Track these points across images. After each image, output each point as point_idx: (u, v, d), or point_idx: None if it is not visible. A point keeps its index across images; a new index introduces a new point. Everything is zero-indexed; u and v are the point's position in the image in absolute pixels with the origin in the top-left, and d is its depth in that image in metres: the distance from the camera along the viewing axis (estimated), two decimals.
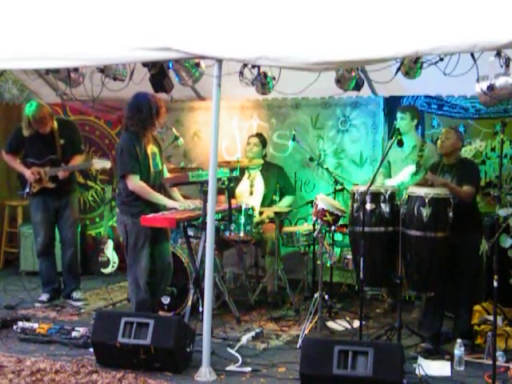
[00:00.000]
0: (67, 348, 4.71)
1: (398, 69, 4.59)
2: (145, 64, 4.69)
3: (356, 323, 5.22)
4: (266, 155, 6.46)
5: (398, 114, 5.68)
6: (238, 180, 6.13)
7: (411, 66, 4.52)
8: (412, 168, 5.59)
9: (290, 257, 6.57)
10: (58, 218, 5.97)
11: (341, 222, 5.25)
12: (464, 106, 6.17)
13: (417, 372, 4.17)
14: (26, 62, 4.68)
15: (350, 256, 5.80)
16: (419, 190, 4.64)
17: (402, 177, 5.62)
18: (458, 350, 4.41)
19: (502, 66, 3.78)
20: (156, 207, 4.96)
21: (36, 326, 4.91)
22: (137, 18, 4.29)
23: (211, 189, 4.24)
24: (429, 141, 6.18)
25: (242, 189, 6.29)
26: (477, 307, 5.10)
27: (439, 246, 4.59)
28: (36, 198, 5.91)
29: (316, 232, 5.19)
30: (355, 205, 4.81)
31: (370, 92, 6.29)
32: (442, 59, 4.12)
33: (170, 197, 5.15)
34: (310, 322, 5.03)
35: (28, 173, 5.82)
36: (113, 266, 7.22)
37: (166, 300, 5.51)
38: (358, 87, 5.42)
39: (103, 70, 4.99)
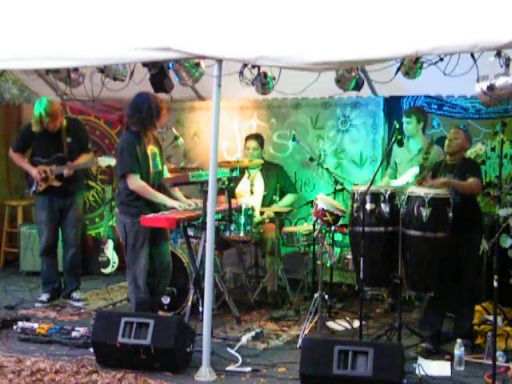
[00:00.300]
0: (67, 348, 4.71)
1: (398, 69, 4.59)
2: (145, 64, 4.69)
3: (356, 323, 5.23)
4: (264, 152, 6.45)
5: (404, 119, 5.66)
6: (238, 180, 6.13)
7: (411, 65, 4.52)
8: (416, 170, 5.59)
9: (290, 257, 6.57)
10: (62, 217, 5.98)
11: (341, 222, 5.25)
12: (464, 106, 6.17)
13: (417, 372, 4.17)
14: (26, 62, 4.67)
15: (349, 256, 5.79)
16: (419, 190, 4.64)
17: (406, 178, 5.62)
18: (458, 350, 4.41)
19: (501, 66, 3.79)
20: (155, 207, 4.96)
21: (36, 326, 4.91)
22: (137, 18, 4.29)
23: (211, 189, 4.24)
24: (436, 145, 6.18)
25: (242, 189, 6.29)
26: (477, 307, 5.09)
27: (439, 246, 4.59)
28: (41, 196, 5.91)
29: (316, 232, 5.19)
30: (355, 205, 4.81)
31: (370, 92, 6.28)
32: (442, 59, 4.12)
33: (171, 197, 5.15)
34: (310, 322, 5.03)
35: (34, 171, 5.83)
36: (113, 266, 7.22)
37: (165, 300, 5.51)
38: (358, 87, 5.41)
39: (103, 70, 4.99)
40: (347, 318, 5.34)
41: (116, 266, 7.22)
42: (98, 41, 4.34)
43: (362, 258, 4.53)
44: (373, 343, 4.19)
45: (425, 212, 4.53)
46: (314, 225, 5.26)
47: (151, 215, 4.82)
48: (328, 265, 5.66)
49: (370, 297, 6.22)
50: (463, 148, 4.84)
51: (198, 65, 4.74)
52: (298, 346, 4.81)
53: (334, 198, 5.96)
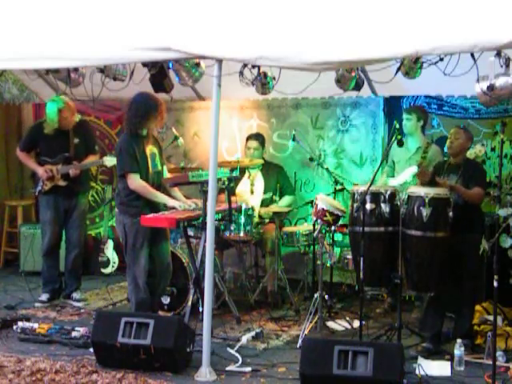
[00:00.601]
0: (67, 348, 4.71)
1: (398, 69, 4.59)
2: (145, 64, 4.69)
3: (356, 323, 5.23)
4: (265, 152, 6.46)
5: (404, 115, 5.67)
6: (238, 180, 6.13)
7: (411, 65, 4.52)
8: (414, 169, 5.60)
9: (290, 257, 6.57)
10: (66, 218, 5.98)
11: (341, 222, 5.25)
12: (464, 106, 6.17)
13: (417, 372, 4.17)
14: (26, 62, 4.68)
15: (349, 256, 5.79)
16: (419, 190, 4.64)
17: (404, 177, 5.63)
18: (458, 350, 4.41)
19: (501, 66, 3.78)
20: (155, 207, 4.96)
21: (36, 326, 4.91)
22: (137, 18, 4.29)
23: (211, 189, 4.24)
24: (434, 144, 6.18)
25: (242, 188, 6.29)
26: (477, 307, 5.10)
27: (439, 245, 4.59)
28: (47, 196, 5.92)
29: (316, 232, 5.18)
30: (355, 205, 4.81)
31: (370, 92, 6.29)
32: (442, 59, 4.12)
33: (171, 197, 5.15)
34: (310, 322, 5.03)
35: (41, 170, 5.84)
36: (113, 266, 7.22)
37: (166, 300, 5.50)
38: (358, 87, 5.41)
39: (103, 70, 4.99)
40: (347, 318, 5.34)
41: (116, 265, 7.22)
42: (98, 41, 4.34)
43: (361, 258, 4.53)
44: (373, 343, 4.19)
45: (425, 212, 4.53)
46: (314, 225, 5.25)
47: (151, 215, 4.82)
48: (328, 265, 5.66)
49: (370, 297, 6.23)
50: (465, 148, 4.84)
51: (198, 65, 4.74)
52: (298, 345, 4.81)
53: (334, 198, 5.96)
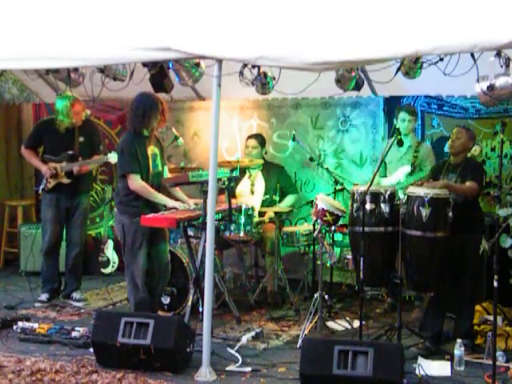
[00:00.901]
0: (67, 348, 4.71)
1: (398, 69, 4.59)
2: (145, 64, 4.69)
3: (356, 323, 5.23)
4: (266, 153, 6.47)
5: (405, 116, 5.66)
6: (238, 180, 6.13)
7: (411, 65, 4.52)
8: (407, 168, 5.62)
9: (290, 257, 6.57)
10: (68, 217, 5.99)
11: (341, 222, 5.25)
12: (464, 106, 6.17)
13: (417, 372, 4.18)
14: (26, 62, 4.68)
15: (349, 256, 5.79)
16: (419, 190, 4.64)
17: (397, 177, 5.64)
18: (458, 350, 4.41)
19: (501, 66, 3.78)
20: (155, 207, 4.96)
21: (36, 326, 4.91)
22: (137, 18, 4.29)
23: (211, 189, 4.24)
24: (428, 142, 6.19)
25: (242, 189, 6.29)
26: (477, 307, 5.10)
27: (439, 245, 4.59)
28: (49, 194, 5.92)
29: (316, 232, 5.18)
30: (355, 205, 4.81)
31: (370, 92, 6.29)
32: (442, 59, 4.12)
33: (172, 197, 5.16)
34: (310, 322, 5.03)
35: (44, 168, 5.85)
36: (113, 266, 7.22)
37: (165, 300, 5.51)
38: (358, 87, 5.42)
39: (103, 70, 4.99)
40: (347, 318, 5.34)
41: (116, 266, 7.22)
42: (98, 41, 4.34)
43: (361, 258, 4.53)
44: (373, 343, 4.19)
45: (425, 212, 4.53)
46: (314, 225, 5.25)
47: (151, 215, 4.82)
48: (328, 265, 5.66)
49: (370, 297, 6.23)
50: (467, 147, 4.84)
51: (198, 65, 4.74)
52: (298, 346, 4.81)
53: (334, 198, 5.96)
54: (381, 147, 6.42)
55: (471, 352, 4.66)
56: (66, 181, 5.87)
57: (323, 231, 5.20)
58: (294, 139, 6.13)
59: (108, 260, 7.21)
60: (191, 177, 4.87)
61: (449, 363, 4.46)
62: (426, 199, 4.53)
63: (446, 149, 4.95)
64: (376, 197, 4.75)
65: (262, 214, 6.09)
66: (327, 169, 6.19)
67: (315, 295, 5.15)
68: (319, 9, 3.86)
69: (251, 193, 6.17)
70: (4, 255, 7.75)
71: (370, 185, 4.69)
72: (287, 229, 6.06)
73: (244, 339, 4.87)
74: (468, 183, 4.70)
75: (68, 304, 5.96)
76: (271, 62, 4.05)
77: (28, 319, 5.20)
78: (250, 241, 5.82)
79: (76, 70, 5.08)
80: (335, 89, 5.31)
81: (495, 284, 3.95)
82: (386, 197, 4.73)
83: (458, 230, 4.59)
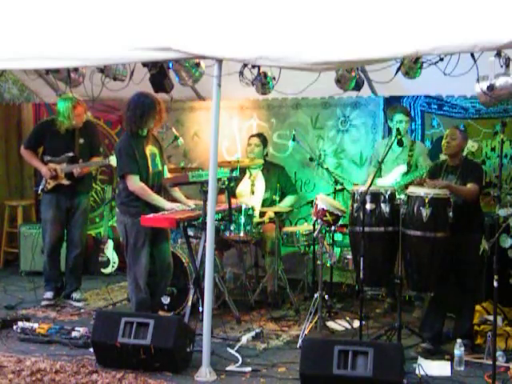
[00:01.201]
0: (67, 348, 4.71)
1: (398, 69, 4.59)
2: (145, 64, 4.69)
3: (356, 323, 5.23)
4: (267, 154, 6.47)
5: (402, 117, 5.65)
6: (238, 180, 6.13)
7: (411, 65, 4.51)
8: (403, 168, 5.62)
9: (290, 257, 6.57)
10: (68, 217, 5.99)
11: (341, 222, 5.25)
12: (464, 106, 6.17)
13: (417, 372, 4.18)
14: (26, 62, 4.68)
15: (349, 256, 5.79)
16: (419, 190, 4.64)
17: (393, 177, 5.63)
18: (458, 350, 4.41)
19: (501, 66, 3.78)
20: (156, 207, 4.96)
21: (36, 326, 4.91)
22: (137, 18, 4.29)
23: (211, 189, 4.24)
24: (428, 142, 6.19)
25: (242, 188, 6.29)
26: (477, 307, 5.09)
27: (439, 245, 4.59)
28: (49, 195, 5.92)
29: (316, 232, 5.18)
30: (355, 205, 4.81)
31: (370, 92, 6.29)
32: (442, 59, 4.11)
33: (172, 197, 5.15)
34: (310, 322, 5.03)
35: (44, 169, 5.84)
36: (113, 266, 7.22)
37: (165, 300, 5.51)
38: (358, 87, 5.41)
39: (103, 70, 4.99)
40: (347, 318, 5.34)
41: (116, 266, 7.22)
42: (98, 41, 4.34)
43: (362, 258, 4.53)
44: (373, 343, 4.19)
45: (425, 212, 4.53)
46: (314, 225, 5.25)
47: (151, 215, 4.82)
48: (328, 265, 5.66)
49: (370, 297, 6.23)
50: (462, 148, 4.85)
51: (198, 65, 4.74)
52: (297, 346, 4.81)
53: (334, 198, 5.96)
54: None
55: (471, 352, 4.66)
56: (65, 182, 5.87)
57: (323, 231, 5.20)
58: (294, 139, 6.13)
59: (108, 260, 7.22)
60: (191, 177, 4.87)
61: (449, 363, 4.46)
62: (427, 199, 4.52)
63: (442, 150, 4.95)
64: (376, 197, 4.75)
65: (262, 214, 6.09)
66: (327, 169, 6.19)
67: (315, 295, 5.15)
68: (319, 9, 3.86)
69: (251, 193, 6.16)
70: (4, 255, 7.75)
71: (370, 185, 4.69)
72: (287, 229, 6.06)
73: (244, 339, 4.87)
74: (469, 185, 4.70)
75: (68, 304, 5.96)
76: (271, 62, 4.05)
77: (28, 319, 5.20)
78: (250, 241, 5.82)
79: (76, 70, 5.08)
80: (335, 89, 5.31)
81: (495, 284, 3.95)
82: (386, 197, 4.73)
83: (458, 230, 4.59)
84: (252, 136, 6.44)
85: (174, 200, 5.18)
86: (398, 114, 5.67)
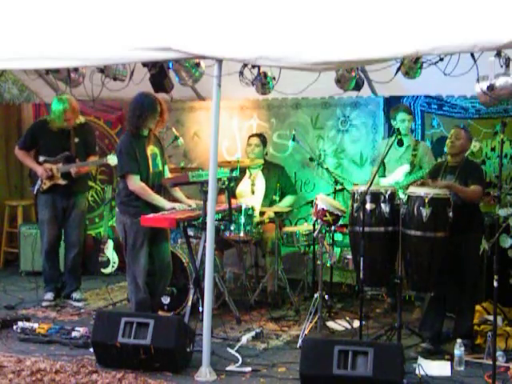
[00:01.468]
0: (67, 348, 4.71)
1: (398, 69, 4.59)
2: (145, 64, 4.69)
3: (356, 323, 5.22)
4: (266, 153, 6.47)
5: (404, 116, 5.64)
6: (238, 180, 6.13)
7: (411, 65, 4.51)
8: (406, 168, 5.61)
9: (290, 257, 6.58)
10: (65, 217, 5.98)
11: (341, 222, 5.25)
12: (464, 106, 6.17)
13: (417, 372, 4.17)
14: (26, 62, 4.68)
15: (349, 256, 5.80)
16: (419, 190, 4.64)
17: (397, 176, 5.64)
18: (458, 350, 4.41)
19: (501, 66, 3.78)
20: (156, 207, 4.95)
21: (36, 326, 4.91)
22: (137, 18, 4.29)
23: (211, 189, 4.24)
24: (428, 141, 6.19)
25: (242, 188, 6.30)
26: (477, 307, 5.09)
27: (439, 245, 4.59)
28: (45, 195, 5.92)
29: (316, 232, 5.18)
30: (355, 205, 4.81)
31: (370, 92, 6.29)
32: (442, 59, 4.11)
33: (173, 197, 5.15)
34: (310, 322, 5.03)
35: (40, 169, 5.84)
36: (113, 266, 7.22)
37: (165, 300, 5.51)
38: (358, 87, 5.41)
39: (103, 70, 4.99)
40: (347, 318, 5.34)
41: (116, 266, 7.22)
42: (98, 41, 4.34)
43: (361, 258, 4.53)
44: (373, 343, 4.18)
45: (425, 212, 4.53)
46: (314, 225, 5.26)
47: (151, 215, 4.82)
48: (328, 265, 5.66)
49: (370, 297, 6.23)
50: (466, 149, 4.86)
51: (198, 65, 4.74)
52: (297, 345, 4.81)
53: (334, 198, 5.96)
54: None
55: (471, 352, 4.66)
56: (61, 182, 5.86)
57: (323, 231, 5.20)
58: (294, 139, 6.13)
59: (108, 260, 7.22)
60: (191, 177, 4.87)
61: (449, 363, 4.46)
62: (427, 199, 4.53)
63: (446, 149, 4.95)
64: (376, 197, 4.75)
65: (262, 213, 6.10)
66: (327, 169, 6.19)
67: (315, 295, 5.14)
68: (319, 9, 3.86)
69: (252, 192, 6.16)
70: (4, 255, 7.75)
71: (370, 185, 4.69)
72: (287, 229, 6.06)
73: (244, 339, 4.87)
74: (473, 187, 4.70)
75: (68, 304, 5.96)
76: (271, 62, 4.04)
77: (28, 319, 5.20)
78: (249, 241, 5.83)
79: (76, 70, 5.08)
80: (335, 89, 5.31)
81: (495, 284, 3.95)
82: (386, 197, 4.73)
83: (458, 230, 4.59)
84: (252, 136, 6.44)
85: (174, 200, 5.18)
86: (400, 112, 5.67)
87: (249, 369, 4.34)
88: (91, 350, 4.46)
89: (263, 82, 5.18)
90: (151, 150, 5.01)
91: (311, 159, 6.30)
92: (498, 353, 4.44)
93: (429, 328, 4.84)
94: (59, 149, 5.87)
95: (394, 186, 5.14)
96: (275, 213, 5.94)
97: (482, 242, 4.45)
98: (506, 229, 4.45)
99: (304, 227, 6.05)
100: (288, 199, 6.34)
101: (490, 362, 4.09)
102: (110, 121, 7.73)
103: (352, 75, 5.16)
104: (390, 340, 4.68)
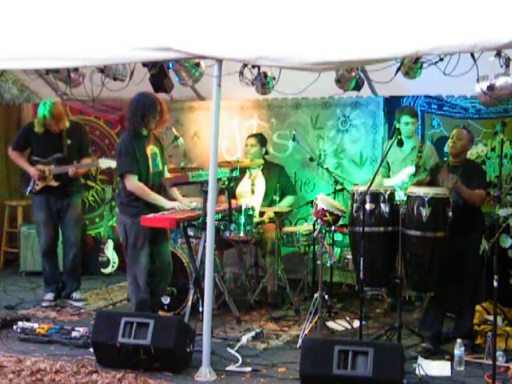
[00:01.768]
0: (67, 348, 4.72)
1: (398, 69, 4.58)
2: (145, 64, 4.69)
3: (356, 323, 5.23)
4: (267, 153, 6.47)
5: (408, 119, 5.62)
6: (238, 180, 6.13)
7: (411, 66, 4.51)
8: (411, 169, 5.60)
9: (290, 257, 6.57)
10: (60, 218, 5.98)
11: (341, 222, 5.25)
12: (464, 106, 6.17)
13: (417, 372, 4.17)
14: (26, 62, 4.68)
15: (350, 256, 5.79)
16: (419, 190, 4.64)
17: (401, 177, 5.63)
18: (458, 350, 4.41)
19: (501, 66, 3.78)
20: (156, 207, 4.95)
21: (36, 326, 4.91)
22: (137, 18, 4.29)
23: (211, 189, 4.24)
24: (428, 141, 6.19)
25: (242, 188, 6.29)
26: (477, 307, 5.10)
27: (439, 245, 4.59)
28: (39, 196, 5.92)
29: (316, 232, 5.18)
30: (355, 205, 4.81)
31: (369, 92, 6.28)
32: (442, 59, 4.11)
33: (171, 196, 5.15)
34: (310, 322, 5.03)
35: (32, 170, 5.84)
36: (113, 266, 7.22)
37: (165, 300, 5.50)
38: (358, 87, 5.41)
39: (103, 70, 4.99)
40: (347, 318, 5.34)
41: (116, 266, 7.22)
42: (98, 41, 4.34)
43: (362, 258, 4.53)
44: (373, 343, 4.19)
45: (424, 212, 4.53)
46: (314, 225, 5.25)
47: (151, 215, 4.81)
48: (328, 265, 5.66)
49: (370, 297, 6.23)
50: (467, 149, 4.85)
51: (198, 65, 4.74)
52: (297, 346, 4.81)
53: (334, 198, 5.96)
54: (381, 147, 6.42)
55: (471, 352, 4.66)
56: (53, 183, 5.86)
57: (323, 231, 5.20)
58: (294, 139, 6.13)
59: (108, 260, 7.22)
60: (191, 177, 4.86)
61: (449, 363, 4.46)
62: (426, 199, 4.53)
63: (446, 149, 4.95)
64: (376, 197, 4.75)
65: (262, 214, 6.10)
66: (327, 169, 6.19)
67: (315, 295, 5.14)
68: (319, 9, 3.86)
69: (251, 192, 6.17)
70: (4, 255, 7.75)
71: (370, 185, 4.69)
72: (287, 229, 6.06)
73: (244, 339, 4.87)
74: (477, 191, 4.69)
75: (68, 304, 5.96)
76: (271, 62, 4.04)
77: (28, 319, 5.20)
78: (249, 241, 5.83)
79: (76, 70, 5.08)
80: (335, 89, 5.31)
81: (495, 284, 3.95)
82: (386, 197, 4.73)
83: (458, 230, 4.59)
84: (249, 136, 6.43)
85: (172, 199, 5.17)
86: (404, 115, 5.65)
87: (249, 369, 4.34)
88: (91, 350, 4.46)
89: (263, 82, 5.18)
90: (151, 149, 5.01)
91: (311, 159, 6.31)
92: (498, 353, 4.44)
93: (429, 328, 4.84)
94: (51, 150, 5.86)
95: (397, 188, 5.13)
96: (275, 213, 5.93)
97: (482, 242, 4.47)
98: (506, 229, 4.46)
99: (304, 227, 6.05)
100: (288, 199, 6.34)
101: (490, 362, 4.09)
102: (109, 121, 7.72)
103: (352, 75, 5.16)
104: (390, 340, 4.68)
